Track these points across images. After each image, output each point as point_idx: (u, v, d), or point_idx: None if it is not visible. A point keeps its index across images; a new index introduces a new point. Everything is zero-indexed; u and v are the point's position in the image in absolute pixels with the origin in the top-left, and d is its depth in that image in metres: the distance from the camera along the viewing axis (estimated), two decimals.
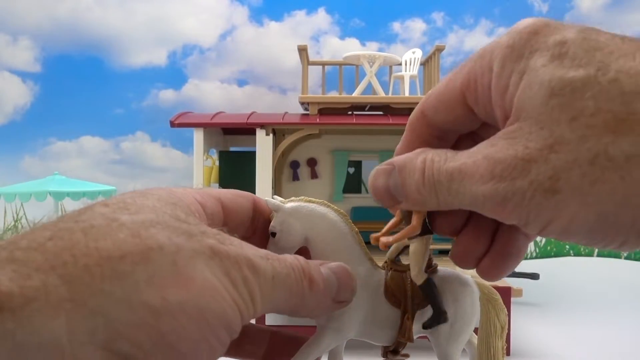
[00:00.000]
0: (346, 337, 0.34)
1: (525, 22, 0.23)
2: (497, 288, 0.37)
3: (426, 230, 0.34)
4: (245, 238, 0.31)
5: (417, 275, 0.34)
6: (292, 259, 0.26)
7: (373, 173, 0.28)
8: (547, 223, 0.21)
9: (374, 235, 0.34)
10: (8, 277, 0.16)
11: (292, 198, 0.36)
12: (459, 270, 0.35)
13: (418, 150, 0.26)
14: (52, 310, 0.16)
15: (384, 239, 0.34)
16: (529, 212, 0.21)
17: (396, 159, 0.27)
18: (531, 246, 3.29)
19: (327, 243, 0.34)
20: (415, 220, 0.33)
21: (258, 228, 0.34)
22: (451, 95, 0.26)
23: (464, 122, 0.27)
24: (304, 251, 0.35)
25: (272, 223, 0.34)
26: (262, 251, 0.24)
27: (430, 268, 0.35)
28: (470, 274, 0.36)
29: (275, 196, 0.35)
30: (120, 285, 0.18)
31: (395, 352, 0.35)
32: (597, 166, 0.19)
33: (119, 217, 0.20)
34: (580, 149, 0.20)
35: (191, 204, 0.26)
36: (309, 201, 0.35)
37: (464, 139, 0.29)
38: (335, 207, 0.36)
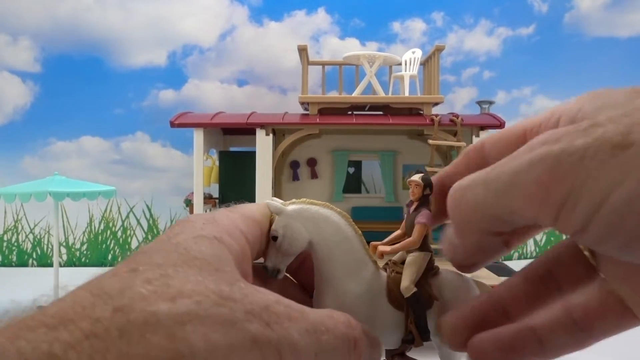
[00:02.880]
0: None
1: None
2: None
3: (426, 247, 0.35)
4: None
5: (406, 288, 0.34)
6: (345, 327, 0.24)
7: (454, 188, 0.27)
8: (608, 190, 0.17)
9: (373, 243, 0.34)
10: None
11: (293, 200, 0.35)
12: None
13: None
14: None
15: (381, 248, 0.35)
16: (587, 175, 0.18)
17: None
18: (531, 245, 3.29)
19: (331, 247, 0.34)
20: (416, 235, 0.33)
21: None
22: (513, 133, 0.26)
23: None
24: (306, 256, 0.34)
25: (273, 226, 0.33)
26: (312, 319, 0.23)
27: (432, 271, 0.35)
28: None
29: (275, 198, 0.34)
30: None
31: (402, 355, 0.35)
32: None
33: (158, 307, 0.19)
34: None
35: (236, 248, 0.25)
36: (311, 203, 0.34)
37: None
38: (338, 209, 0.35)
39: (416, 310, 0.33)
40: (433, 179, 0.30)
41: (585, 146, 0.18)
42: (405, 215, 0.38)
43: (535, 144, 0.20)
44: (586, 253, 0.26)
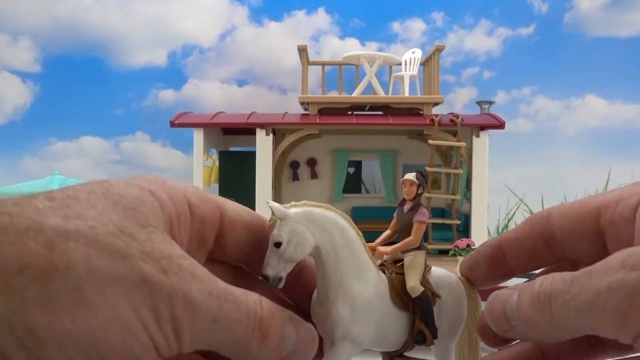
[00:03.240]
0: (363, 348, 0.33)
1: None
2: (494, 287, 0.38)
3: (423, 246, 0.34)
4: (246, 263, 0.29)
5: (413, 287, 0.34)
6: (255, 304, 0.22)
7: (492, 297, 0.26)
8: None
9: (370, 244, 0.34)
10: None
11: (293, 203, 0.32)
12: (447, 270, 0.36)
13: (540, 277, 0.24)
14: None
15: (381, 249, 0.34)
16: None
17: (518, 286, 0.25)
18: None
19: (338, 251, 0.32)
20: (417, 234, 0.33)
21: (227, 242, 0.29)
22: (585, 208, 0.25)
23: (584, 241, 0.26)
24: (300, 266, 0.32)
25: (275, 231, 0.30)
26: (221, 285, 0.21)
27: (427, 269, 0.35)
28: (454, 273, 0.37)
29: (271, 201, 0.32)
30: (6, 301, 0.16)
31: (401, 356, 0.35)
32: None
33: (48, 219, 0.18)
34: None
35: (169, 208, 0.23)
36: (313, 205, 0.32)
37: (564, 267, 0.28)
38: (339, 211, 0.34)
39: (423, 309, 0.33)
40: (490, 242, 0.29)
41: None
42: (396, 215, 0.37)
43: (614, 266, 0.20)
44: None
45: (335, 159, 3.09)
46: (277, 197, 2.92)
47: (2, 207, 0.18)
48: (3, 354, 0.16)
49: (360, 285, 0.32)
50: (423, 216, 0.35)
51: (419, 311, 0.34)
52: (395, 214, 0.37)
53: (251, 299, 0.23)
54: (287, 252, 0.30)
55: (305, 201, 0.33)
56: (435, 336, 0.34)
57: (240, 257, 0.29)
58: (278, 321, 0.24)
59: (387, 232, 0.36)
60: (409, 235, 0.36)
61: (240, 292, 0.22)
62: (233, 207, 0.27)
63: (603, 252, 0.25)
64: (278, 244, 0.30)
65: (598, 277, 0.20)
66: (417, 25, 3.41)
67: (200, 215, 0.25)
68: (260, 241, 0.30)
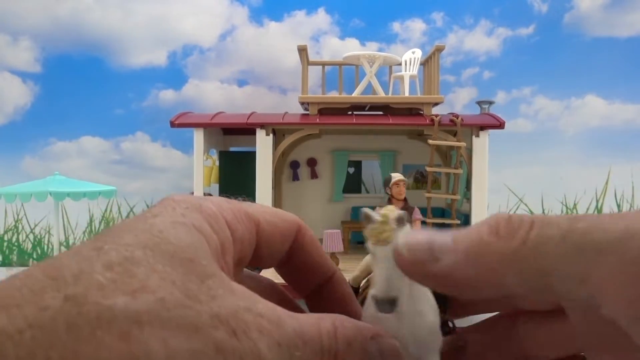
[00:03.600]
0: None
1: None
2: None
3: None
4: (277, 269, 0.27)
5: None
6: (328, 338, 0.21)
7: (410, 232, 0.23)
8: None
9: None
10: None
11: (388, 207, 0.26)
12: None
13: None
14: None
15: None
16: None
17: None
18: None
19: None
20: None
21: (294, 261, 0.27)
22: None
23: None
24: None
25: (401, 241, 0.23)
26: (289, 329, 0.21)
27: None
28: None
29: (366, 209, 0.25)
30: None
31: None
32: None
33: (115, 300, 0.17)
34: None
35: (215, 240, 0.22)
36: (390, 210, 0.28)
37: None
38: None
39: (443, 301, 0.33)
40: None
41: None
42: None
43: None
44: None
45: (335, 159, 3.09)
46: (277, 197, 2.92)
47: (63, 288, 0.17)
48: None
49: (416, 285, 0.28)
50: (418, 214, 0.35)
51: (441, 303, 0.32)
52: None
53: (324, 330, 0.21)
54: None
55: (388, 206, 0.27)
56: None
57: (271, 264, 0.28)
58: (357, 349, 0.22)
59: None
60: None
61: (308, 326, 0.21)
62: (266, 217, 0.26)
63: None
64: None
65: (623, 216, 0.16)
66: (417, 25, 3.41)
67: (239, 237, 0.24)
68: (292, 245, 0.27)
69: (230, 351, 0.18)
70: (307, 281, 0.28)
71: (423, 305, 0.27)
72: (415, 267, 0.22)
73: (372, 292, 0.24)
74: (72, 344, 0.16)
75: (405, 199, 0.41)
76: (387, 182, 0.42)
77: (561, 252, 0.17)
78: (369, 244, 0.24)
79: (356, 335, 0.22)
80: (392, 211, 0.24)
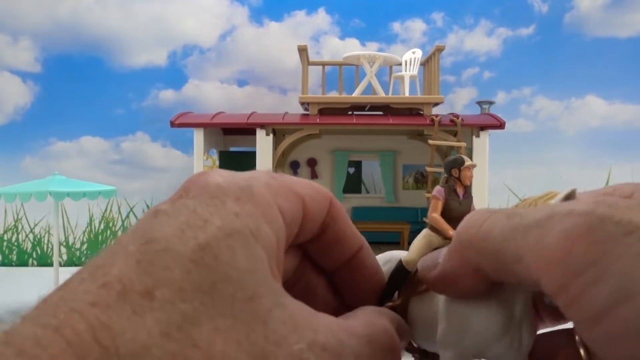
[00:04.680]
0: None
1: None
2: None
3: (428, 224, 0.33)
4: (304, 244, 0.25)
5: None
6: (381, 329, 0.20)
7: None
8: None
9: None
10: None
11: (553, 192, 0.24)
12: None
13: None
14: None
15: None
16: (612, 255, 0.15)
17: None
18: None
19: None
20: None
21: (326, 236, 0.26)
22: None
23: None
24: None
25: None
26: (351, 347, 0.19)
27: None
28: None
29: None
30: None
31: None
32: None
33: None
34: None
35: (272, 239, 0.20)
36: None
37: None
38: None
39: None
40: None
41: (625, 221, 0.15)
42: (449, 201, 0.34)
43: (584, 199, 0.17)
44: (582, 351, 0.21)
45: (335, 159, 3.09)
46: None
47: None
48: None
49: None
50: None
51: None
52: (443, 199, 0.34)
53: (379, 331, 0.20)
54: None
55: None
56: None
57: (305, 240, 0.26)
58: (395, 330, 0.21)
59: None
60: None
61: (365, 328, 0.20)
62: (309, 192, 0.23)
63: None
64: None
65: (557, 206, 0.17)
66: (417, 26, 3.41)
67: (289, 222, 0.22)
68: (324, 220, 0.25)
69: None
70: (338, 255, 0.26)
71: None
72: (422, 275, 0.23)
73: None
74: None
75: (467, 186, 0.40)
76: (456, 163, 0.39)
77: (502, 234, 0.18)
78: None
79: (395, 321, 0.22)
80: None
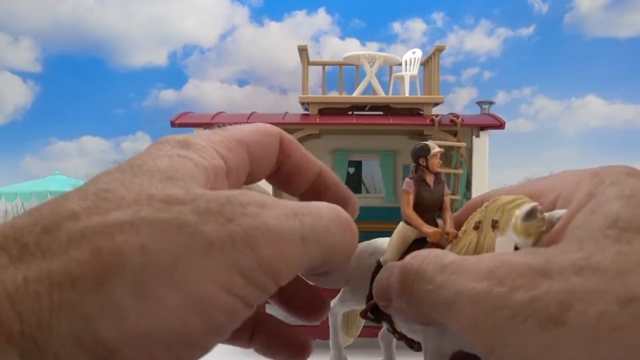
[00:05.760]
0: None
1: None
2: None
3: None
4: (269, 177, 0.27)
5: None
6: (329, 207, 0.21)
7: (385, 265, 0.25)
8: None
9: (435, 230, 0.31)
10: None
11: (525, 198, 0.26)
12: None
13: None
14: (5, 344, 0.14)
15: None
16: (509, 340, 0.16)
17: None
18: None
19: None
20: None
21: (284, 169, 0.27)
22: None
23: None
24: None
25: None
26: (290, 203, 0.20)
27: None
28: None
29: (535, 203, 0.24)
30: (69, 320, 0.15)
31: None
32: (629, 310, 0.15)
33: (88, 220, 0.17)
34: (615, 284, 0.15)
35: (204, 164, 0.21)
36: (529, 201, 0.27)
37: None
38: None
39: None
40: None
41: (518, 305, 0.16)
42: (421, 191, 0.33)
43: (483, 271, 0.18)
44: None
45: (335, 159, 3.09)
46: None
47: (40, 222, 0.17)
48: None
49: None
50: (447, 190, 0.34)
51: None
52: (413, 191, 0.33)
53: (321, 204, 0.21)
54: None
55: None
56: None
57: (261, 178, 0.27)
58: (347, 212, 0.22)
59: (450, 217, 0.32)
60: (439, 211, 0.32)
61: (309, 203, 0.21)
62: (253, 137, 0.25)
63: None
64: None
65: (466, 276, 0.18)
66: (417, 26, 3.41)
67: (234, 166, 0.23)
68: (278, 156, 0.27)
69: (227, 240, 0.17)
70: (299, 183, 0.28)
71: None
72: None
73: None
74: (47, 264, 0.15)
75: (437, 172, 0.39)
76: (423, 152, 0.39)
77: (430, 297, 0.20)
78: (523, 241, 0.22)
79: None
80: (530, 202, 0.24)
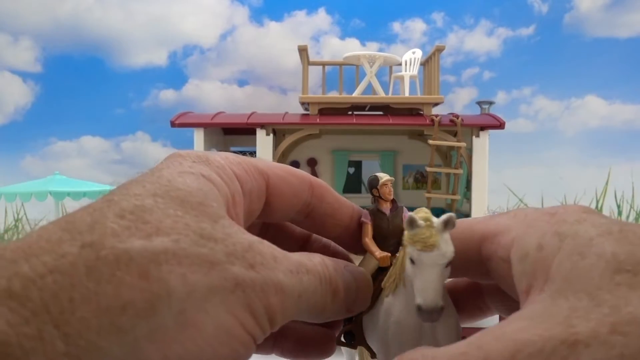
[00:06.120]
0: None
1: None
2: None
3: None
4: (297, 223, 0.28)
5: None
6: (321, 266, 0.23)
7: None
8: None
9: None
10: (5, 319, 0.14)
11: (423, 209, 0.26)
12: None
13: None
14: None
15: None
16: None
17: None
18: None
19: None
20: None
21: (317, 213, 0.28)
22: (472, 234, 0.24)
23: (472, 269, 0.24)
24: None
25: (449, 248, 0.23)
26: (294, 259, 0.22)
27: None
28: None
29: (412, 213, 0.26)
30: (119, 343, 0.16)
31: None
32: None
33: (131, 244, 0.17)
34: None
35: (225, 190, 0.22)
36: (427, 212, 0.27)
37: (468, 300, 0.28)
38: None
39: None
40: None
41: None
42: (377, 220, 0.33)
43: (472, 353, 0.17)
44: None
45: (335, 159, 3.10)
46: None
47: (78, 237, 0.17)
48: None
49: None
50: (407, 213, 0.34)
51: None
52: (370, 221, 0.33)
53: (316, 261, 0.23)
54: (448, 270, 0.24)
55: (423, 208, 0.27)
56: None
57: (283, 219, 0.29)
58: (340, 274, 0.24)
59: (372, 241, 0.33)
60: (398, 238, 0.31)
61: (305, 259, 0.23)
62: (276, 171, 0.26)
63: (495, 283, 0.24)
64: (449, 264, 0.24)
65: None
66: (417, 26, 3.41)
67: (248, 190, 0.24)
68: (305, 202, 0.28)
69: (249, 283, 0.19)
70: (334, 226, 0.29)
71: (453, 313, 0.26)
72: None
73: (418, 301, 0.23)
74: (94, 285, 0.16)
75: (393, 200, 0.40)
76: (374, 183, 0.40)
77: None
78: (413, 251, 0.23)
79: (337, 263, 0.25)
80: (429, 213, 0.24)
